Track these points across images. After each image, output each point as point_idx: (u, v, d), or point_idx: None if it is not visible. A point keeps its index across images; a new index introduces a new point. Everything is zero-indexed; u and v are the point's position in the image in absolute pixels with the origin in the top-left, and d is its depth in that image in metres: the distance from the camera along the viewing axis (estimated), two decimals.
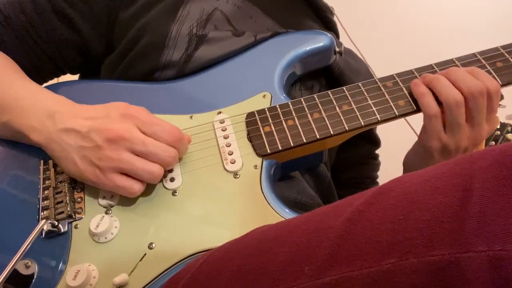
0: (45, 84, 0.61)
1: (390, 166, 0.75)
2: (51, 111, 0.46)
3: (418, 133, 0.54)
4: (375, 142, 0.73)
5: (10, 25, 0.55)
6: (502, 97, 0.49)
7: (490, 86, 0.49)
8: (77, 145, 0.43)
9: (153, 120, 0.45)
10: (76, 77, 0.67)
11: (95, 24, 0.57)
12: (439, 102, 0.50)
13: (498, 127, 0.83)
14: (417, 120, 0.56)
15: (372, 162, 0.74)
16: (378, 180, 0.74)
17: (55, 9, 0.56)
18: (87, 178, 0.44)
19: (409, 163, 0.58)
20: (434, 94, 0.50)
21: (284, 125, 0.51)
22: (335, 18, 0.71)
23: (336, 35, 0.70)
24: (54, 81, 0.62)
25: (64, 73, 0.63)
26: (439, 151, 0.51)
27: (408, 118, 0.55)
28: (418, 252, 0.27)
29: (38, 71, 0.59)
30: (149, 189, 0.48)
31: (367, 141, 0.72)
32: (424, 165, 0.53)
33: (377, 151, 0.75)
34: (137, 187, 0.44)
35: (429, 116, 0.50)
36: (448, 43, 1.41)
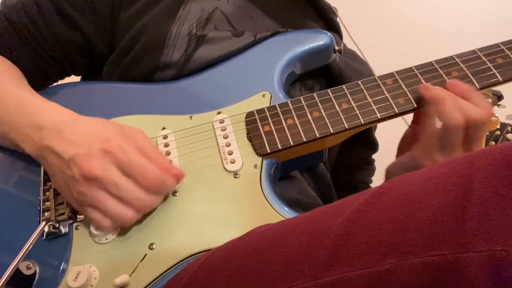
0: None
1: None
2: (38, 125, 0.45)
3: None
4: (373, 146, 0.73)
5: (14, 28, 0.55)
6: (502, 97, 0.49)
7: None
8: (60, 168, 0.43)
9: (132, 159, 0.42)
10: (79, 78, 0.67)
11: (98, 25, 0.57)
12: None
13: (498, 127, 0.83)
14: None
15: (368, 168, 0.73)
16: (376, 181, 0.74)
17: (58, 11, 0.56)
18: (70, 202, 0.45)
19: (393, 173, 0.56)
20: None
21: (284, 124, 0.51)
22: (338, 19, 0.70)
23: (339, 35, 0.70)
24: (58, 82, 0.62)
25: (69, 75, 0.63)
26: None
27: (407, 118, 0.55)
28: (418, 252, 0.27)
29: (43, 73, 0.59)
30: None
31: (365, 145, 0.71)
32: None
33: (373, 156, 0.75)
34: (107, 223, 0.43)
35: (451, 127, 0.47)
36: (449, 40, 1.41)
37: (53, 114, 0.47)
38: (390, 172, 0.58)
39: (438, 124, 0.48)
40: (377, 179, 0.74)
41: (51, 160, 0.44)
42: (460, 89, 0.49)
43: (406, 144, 0.56)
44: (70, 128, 0.44)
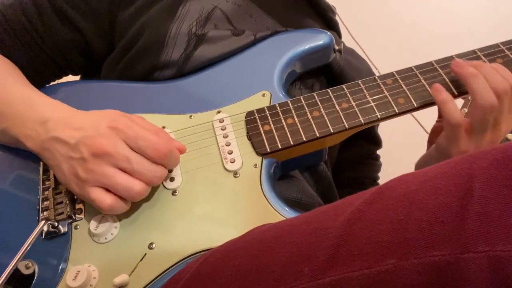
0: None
1: (390, 166, 0.75)
2: (44, 118, 0.45)
3: (423, 129, 0.53)
4: (376, 142, 0.73)
5: (11, 27, 0.55)
6: None
7: None
8: (67, 155, 0.43)
9: (140, 134, 0.43)
10: (77, 77, 0.67)
11: (96, 24, 0.57)
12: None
13: None
14: (414, 118, 0.56)
15: (373, 163, 0.73)
16: (378, 181, 0.74)
17: (56, 10, 0.55)
18: (72, 189, 0.44)
19: (423, 167, 0.56)
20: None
21: (284, 123, 0.51)
22: (337, 18, 0.70)
23: (338, 34, 0.70)
24: (55, 82, 0.62)
25: (66, 74, 0.62)
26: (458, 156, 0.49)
27: (410, 117, 0.55)
28: (419, 252, 0.27)
29: (40, 73, 0.58)
30: None
31: (368, 141, 0.71)
32: None
33: (377, 151, 0.74)
34: (109, 201, 0.42)
35: (452, 125, 0.47)
36: (449, 40, 1.41)
37: (57, 109, 0.47)
38: (419, 166, 0.57)
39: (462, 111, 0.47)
40: (381, 176, 0.74)
41: (56, 150, 0.43)
42: (484, 67, 0.47)
43: (434, 138, 0.55)
44: (75, 118, 0.45)
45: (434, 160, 0.53)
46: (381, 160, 0.75)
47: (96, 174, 0.41)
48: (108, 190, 0.42)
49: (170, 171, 0.48)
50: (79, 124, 0.44)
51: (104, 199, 0.42)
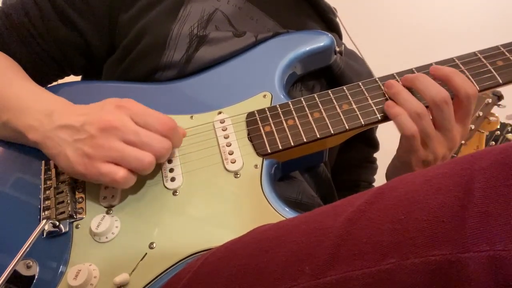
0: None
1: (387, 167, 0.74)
2: (49, 110, 0.46)
3: None
4: (374, 145, 0.73)
5: (13, 27, 0.55)
6: (502, 97, 0.49)
7: (465, 90, 0.48)
8: (72, 139, 0.43)
9: (146, 111, 0.45)
10: (78, 78, 0.67)
11: (96, 25, 0.57)
12: None
13: (498, 127, 0.83)
14: None
15: (370, 166, 0.74)
16: (375, 182, 0.75)
17: (57, 10, 0.56)
18: (77, 171, 0.43)
19: (389, 176, 0.59)
20: None
21: (285, 124, 0.51)
22: (337, 19, 0.71)
23: (339, 36, 0.70)
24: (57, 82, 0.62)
25: (68, 75, 0.63)
26: (419, 164, 0.51)
27: None
28: (419, 252, 0.27)
29: (42, 73, 0.59)
30: (149, 189, 0.48)
31: (366, 144, 0.72)
32: None
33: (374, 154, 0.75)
34: (122, 173, 0.42)
35: (407, 137, 0.49)
36: (450, 42, 1.41)
37: (63, 103, 0.48)
38: (387, 176, 0.59)
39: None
40: (378, 178, 0.74)
41: (59, 137, 0.44)
42: (417, 78, 0.50)
43: None
44: (79, 107, 0.46)
45: (399, 170, 0.55)
46: (380, 162, 0.75)
47: (105, 148, 0.42)
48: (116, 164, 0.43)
49: (171, 171, 0.49)
50: (84, 111, 0.45)
51: (116, 171, 0.42)
